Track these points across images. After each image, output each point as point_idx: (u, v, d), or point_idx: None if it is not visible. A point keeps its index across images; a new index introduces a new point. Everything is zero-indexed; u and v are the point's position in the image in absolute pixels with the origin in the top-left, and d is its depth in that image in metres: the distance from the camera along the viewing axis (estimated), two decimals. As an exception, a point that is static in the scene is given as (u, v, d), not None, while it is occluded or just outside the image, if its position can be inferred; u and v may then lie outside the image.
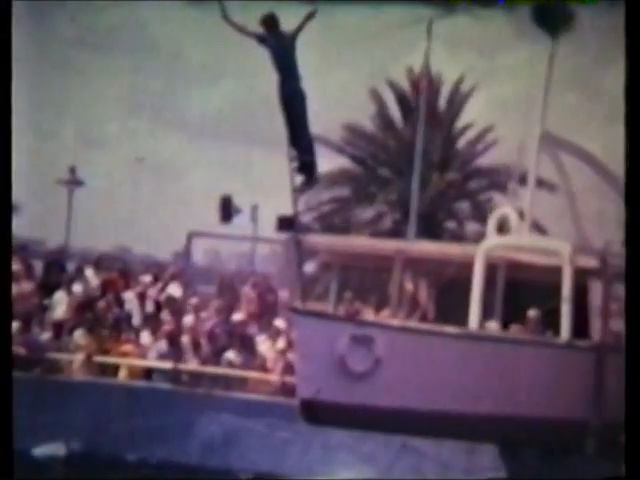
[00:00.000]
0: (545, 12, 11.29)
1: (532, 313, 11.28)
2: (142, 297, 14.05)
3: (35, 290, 13.64)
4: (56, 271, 14.42)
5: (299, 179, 10.22)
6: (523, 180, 12.45)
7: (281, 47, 9.89)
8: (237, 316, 13.79)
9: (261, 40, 9.93)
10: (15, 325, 12.50)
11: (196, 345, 13.25)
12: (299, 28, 9.86)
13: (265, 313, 13.98)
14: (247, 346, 13.21)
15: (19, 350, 12.40)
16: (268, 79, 10.09)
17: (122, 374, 12.90)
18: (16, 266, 13.54)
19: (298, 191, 10.19)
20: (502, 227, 11.88)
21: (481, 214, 21.32)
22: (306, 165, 10.20)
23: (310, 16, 9.79)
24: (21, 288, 13.33)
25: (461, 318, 11.30)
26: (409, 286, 13.27)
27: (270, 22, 9.88)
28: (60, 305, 13.49)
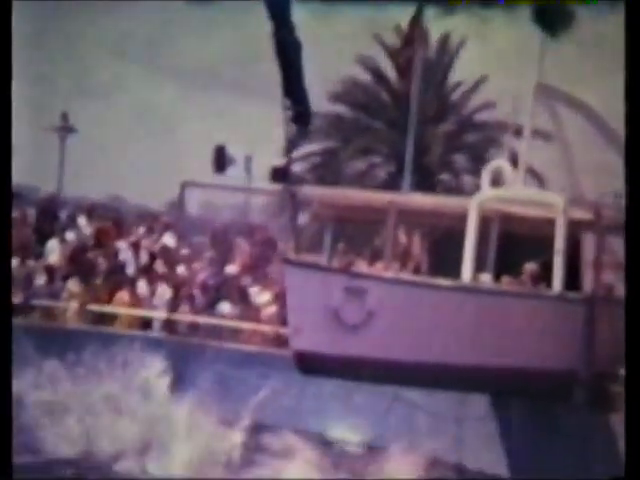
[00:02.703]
0: (545, 12, 11.18)
1: (529, 266, 11.32)
2: (136, 247, 14.03)
3: (30, 237, 13.59)
4: (49, 219, 14.38)
5: (293, 129, 10.12)
6: (518, 132, 12.37)
7: None
8: (231, 268, 13.80)
9: None
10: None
11: (189, 296, 13.28)
12: None
13: (259, 264, 14.00)
14: (241, 297, 13.24)
15: (15, 296, 12.41)
16: (264, 30, 9.96)
17: (119, 323, 12.94)
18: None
19: (292, 141, 10.10)
20: (496, 180, 11.85)
21: (476, 167, 21.30)
22: (300, 115, 10.10)
23: None
24: (17, 234, 13.27)
25: (454, 271, 11.34)
26: (403, 238, 13.28)
27: None
28: (53, 253, 13.47)
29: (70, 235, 13.96)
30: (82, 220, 14.52)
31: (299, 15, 9.90)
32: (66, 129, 23.37)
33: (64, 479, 10.64)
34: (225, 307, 13.14)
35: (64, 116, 23.40)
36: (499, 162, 12.19)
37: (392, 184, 20.89)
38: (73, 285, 12.98)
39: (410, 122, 14.54)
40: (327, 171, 24.11)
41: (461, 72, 24.74)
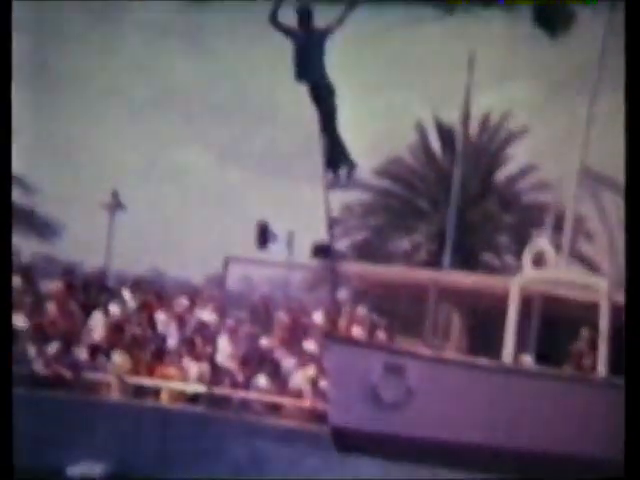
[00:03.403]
0: (545, 12, 11.22)
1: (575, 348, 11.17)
2: (179, 320, 14.08)
3: (78, 311, 13.67)
4: (94, 293, 14.50)
5: (329, 176, 10.09)
6: (561, 219, 12.35)
7: (310, 42, 9.53)
8: (266, 341, 13.80)
9: (290, 34, 9.52)
10: (56, 345, 12.58)
11: (229, 370, 13.27)
12: (339, 21, 9.41)
13: (297, 339, 13.99)
14: (278, 372, 13.21)
15: (60, 370, 12.48)
16: (310, 119, 10.21)
17: (164, 397, 12.89)
18: (60, 287, 13.72)
19: (329, 187, 10.04)
20: (539, 261, 11.80)
21: (519, 247, 21.19)
22: (337, 158, 10.10)
23: (351, 6, 9.34)
24: (64, 309, 13.40)
25: (494, 351, 11.22)
26: (443, 316, 13.22)
27: (305, 15, 9.50)
28: (97, 326, 13.52)
29: (114, 308, 14.05)
30: (126, 293, 14.65)
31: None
32: (116, 206, 23.87)
33: None
34: (262, 381, 13.09)
35: (114, 194, 23.97)
36: (541, 243, 12.15)
37: (433, 262, 20.86)
38: (117, 358, 12.97)
39: (452, 201, 14.65)
40: (369, 248, 24.17)
41: (509, 151, 24.86)
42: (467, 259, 21.38)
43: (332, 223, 10.29)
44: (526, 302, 11.46)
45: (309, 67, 9.63)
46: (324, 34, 9.53)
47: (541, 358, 11.48)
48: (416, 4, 10.93)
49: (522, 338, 11.33)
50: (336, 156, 10.03)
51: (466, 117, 14.04)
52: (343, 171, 10.06)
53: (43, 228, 24.49)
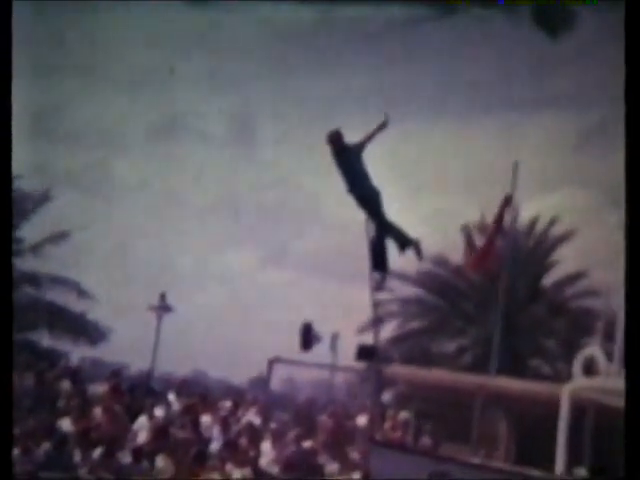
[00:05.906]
0: (545, 12, 11.16)
1: None
2: (223, 423, 13.84)
3: (123, 415, 13.51)
4: (140, 396, 14.36)
5: (376, 276, 10.34)
6: (612, 325, 12.10)
7: (348, 158, 10.35)
8: (309, 445, 13.50)
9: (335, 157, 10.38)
10: (100, 450, 12.43)
11: (271, 475, 12.96)
12: (369, 138, 10.34)
13: (341, 443, 13.68)
14: (321, 477, 12.88)
15: (104, 476, 12.28)
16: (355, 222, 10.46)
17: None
18: (106, 390, 13.65)
19: (375, 289, 10.23)
20: (590, 368, 11.52)
21: (568, 354, 20.74)
22: (400, 243, 10.32)
23: (381, 127, 10.23)
24: (110, 412, 13.26)
25: (545, 462, 10.84)
26: (490, 423, 12.90)
27: (335, 138, 10.37)
28: (142, 430, 13.32)
29: (159, 411, 13.88)
30: (171, 396, 14.52)
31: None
32: (163, 308, 23.81)
33: None
34: (306, 486, 12.75)
35: (162, 296, 23.93)
36: (592, 350, 11.89)
37: (479, 367, 20.51)
38: (160, 462, 12.72)
39: (498, 305, 14.49)
40: (413, 350, 23.88)
41: (556, 255, 24.65)
42: (515, 364, 20.96)
43: (377, 324, 10.25)
44: (578, 411, 11.13)
45: (356, 182, 10.20)
46: (358, 150, 10.21)
47: (595, 471, 11.04)
48: (416, 4, 11.03)
49: (575, 449, 10.94)
50: (398, 241, 10.26)
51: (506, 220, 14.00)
52: (412, 251, 10.29)
53: (92, 332, 24.56)
